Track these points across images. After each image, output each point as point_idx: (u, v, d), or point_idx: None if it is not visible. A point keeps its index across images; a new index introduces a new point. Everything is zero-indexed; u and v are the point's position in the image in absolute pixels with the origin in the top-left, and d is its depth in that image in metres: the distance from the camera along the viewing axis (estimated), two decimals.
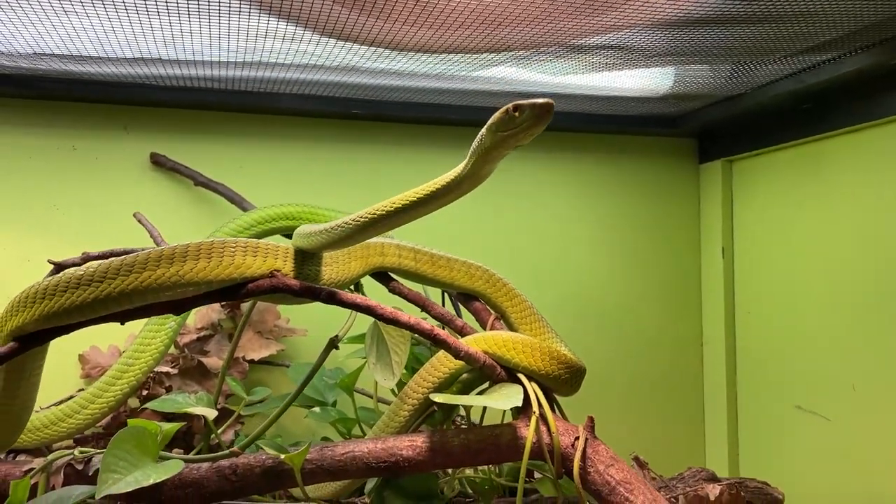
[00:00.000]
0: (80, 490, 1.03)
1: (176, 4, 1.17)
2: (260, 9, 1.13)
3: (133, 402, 1.56)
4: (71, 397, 1.47)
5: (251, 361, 1.61)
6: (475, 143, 0.92)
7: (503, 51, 1.30)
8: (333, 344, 1.15)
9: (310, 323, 1.69)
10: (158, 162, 1.67)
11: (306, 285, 1.06)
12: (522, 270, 1.92)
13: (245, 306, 1.64)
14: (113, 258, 1.00)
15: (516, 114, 0.84)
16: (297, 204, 1.60)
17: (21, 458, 1.37)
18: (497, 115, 0.87)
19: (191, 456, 1.08)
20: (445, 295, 1.46)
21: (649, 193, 2.05)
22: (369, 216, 1.01)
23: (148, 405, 1.38)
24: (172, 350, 1.59)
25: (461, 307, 1.41)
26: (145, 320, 1.47)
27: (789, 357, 1.79)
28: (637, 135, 2.04)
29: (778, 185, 1.84)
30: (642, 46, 1.33)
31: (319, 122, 1.79)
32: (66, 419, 1.41)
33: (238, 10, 1.18)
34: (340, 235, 1.04)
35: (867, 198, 1.59)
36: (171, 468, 1.00)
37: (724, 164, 1.98)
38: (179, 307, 1.03)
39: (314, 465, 1.10)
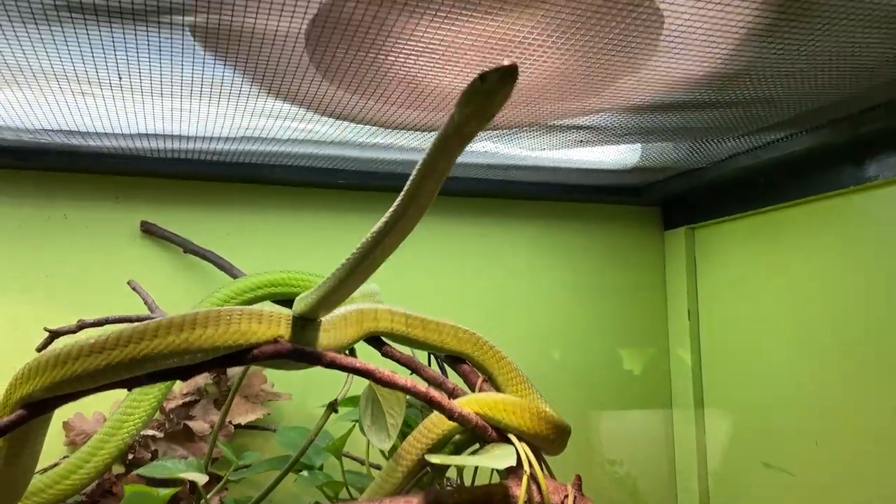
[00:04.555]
0: None
1: (179, 89, 1.24)
2: (268, 92, 1.21)
3: (117, 468, 1.56)
4: (55, 465, 1.48)
5: (238, 426, 1.63)
6: (438, 135, 0.84)
7: (488, 129, 1.40)
8: (333, 408, 1.19)
9: (293, 388, 1.73)
10: (149, 230, 1.72)
11: (308, 351, 1.11)
12: (493, 334, 1.96)
13: (235, 372, 1.67)
14: (124, 326, 1.04)
15: (482, 82, 0.76)
16: (285, 271, 1.65)
17: None
18: (465, 88, 0.79)
19: None
20: (432, 358, 1.51)
21: (618, 259, 2.15)
22: (349, 261, 1.06)
23: (138, 471, 1.40)
24: (157, 416, 1.60)
25: (447, 369, 1.46)
26: None
27: (755, 414, 1.88)
28: (605, 203, 2.15)
29: (738, 251, 1.96)
30: (613, 127, 1.44)
31: (305, 191, 1.86)
32: (51, 487, 1.40)
33: (240, 92, 1.26)
34: (331, 286, 1.08)
35: (818, 262, 1.71)
36: None
37: (686, 231, 2.10)
38: (186, 373, 1.07)
39: None
